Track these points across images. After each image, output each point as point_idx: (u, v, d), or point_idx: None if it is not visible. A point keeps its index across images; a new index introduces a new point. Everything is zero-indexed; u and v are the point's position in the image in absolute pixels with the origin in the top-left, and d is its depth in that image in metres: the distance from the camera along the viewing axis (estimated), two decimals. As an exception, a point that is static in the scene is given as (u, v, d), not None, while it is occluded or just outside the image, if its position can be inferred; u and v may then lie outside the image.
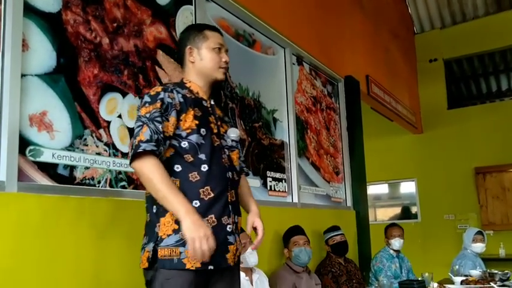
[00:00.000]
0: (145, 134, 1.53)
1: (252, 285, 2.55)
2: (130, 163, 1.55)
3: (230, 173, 1.70)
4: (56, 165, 1.88)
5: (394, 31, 6.82)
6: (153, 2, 2.52)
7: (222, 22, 3.13)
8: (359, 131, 4.83)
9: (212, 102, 1.80)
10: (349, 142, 4.72)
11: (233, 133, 1.80)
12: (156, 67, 2.48)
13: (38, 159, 1.82)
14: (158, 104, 1.59)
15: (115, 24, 2.26)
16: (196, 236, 1.44)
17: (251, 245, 1.84)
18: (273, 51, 3.71)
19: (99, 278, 1.93)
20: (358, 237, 4.48)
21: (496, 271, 3.59)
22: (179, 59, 1.84)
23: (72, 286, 1.81)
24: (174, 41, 2.64)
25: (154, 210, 1.59)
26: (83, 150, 2.00)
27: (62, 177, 1.90)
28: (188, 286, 1.51)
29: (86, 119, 2.04)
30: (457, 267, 3.80)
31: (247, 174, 1.96)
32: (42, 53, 1.89)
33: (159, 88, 1.65)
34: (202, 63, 1.76)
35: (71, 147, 1.95)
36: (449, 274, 3.67)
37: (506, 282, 3.36)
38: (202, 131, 1.65)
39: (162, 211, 1.56)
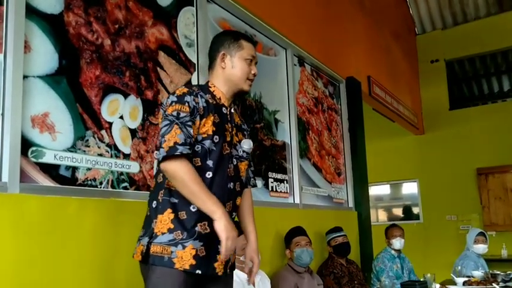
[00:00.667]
0: (179, 136, 1.56)
1: (254, 286, 2.55)
2: (161, 162, 1.56)
3: (232, 183, 1.71)
4: (58, 166, 1.89)
5: (395, 32, 6.82)
6: (154, 3, 2.53)
7: (223, 23, 3.14)
8: (360, 131, 4.82)
9: (232, 110, 1.81)
10: (350, 143, 4.72)
11: (246, 145, 1.81)
12: (158, 68, 2.49)
13: (40, 161, 1.82)
14: (187, 108, 1.61)
15: (117, 26, 2.26)
16: (231, 236, 1.54)
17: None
18: (275, 52, 3.71)
19: (101, 278, 1.93)
20: (359, 238, 4.47)
21: (498, 272, 3.59)
22: (209, 61, 1.83)
23: (74, 287, 1.82)
24: (176, 42, 2.64)
25: (154, 206, 1.62)
26: (84, 151, 2.00)
27: (63, 178, 1.90)
28: (179, 286, 1.53)
29: (87, 120, 2.04)
30: (459, 267, 3.80)
31: (254, 186, 1.96)
32: (44, 55, 1.90)
33: (184, 89, 1.67)
34: (233, 71, 1.76)
35: (72, 148, 1.95)
36: (452, 275, 3.66)
37: (508, 283, 3.36)
38: (216, 137, 1.67)
39: (161, 208, 1.59)
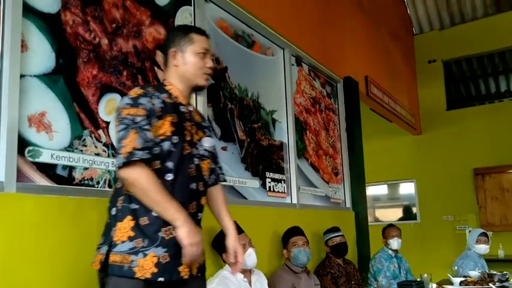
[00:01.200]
0: (138, 141, 1.51)
1: (251, 286, 2.55)
2: (120, 169, 1.51)
3: (194, 184, 1.67)
4: (54, 166, 1.88)
5: (393, 32, 6.83)
6: (152, 2, 2.52)
7: (221, 23, 3.14)
8: (358, 131, 4.83)
9: (191, 108, 1.77)
10: (348, 143, 4.73)
11: (207, 143, 1.77)
12: (155, 68, 2.48)
13: (36, 160, 1.82)
14: (142, 111, 1.56)
15: (114, 25, 2.26)
16: (194, 242, 1.51)
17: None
18: (272, 52, 3.71)
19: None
20: (357, 238, 4.48)
21: (495, 272, 3.60)
22: (164, 60, 1.79)
23: (70, 286, 1.81)
24: (173, 41, 2.64)
25: (114, 213, 1.57)
26: (81, 150, 2.00)
27: (60, 177, 1.90)
28: None
29: (84, 119, 2.04)
30: (455, 267, 3.81)
31: (223, 181, 1.94)
32: (41, 54, 1.90)
33: (139, 91, 1.62)
34: (186, 67, 1.72)
35: (69, 147, 1.95)
36: (448, 275, 3.67)
37: (505, 283, 3.37)
38: (175, 138, 1.62)
39: (121, 215, 1.54)
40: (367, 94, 5.28)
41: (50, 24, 1.94)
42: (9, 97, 1.72)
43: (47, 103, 1.89)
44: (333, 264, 3.47)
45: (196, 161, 1.70)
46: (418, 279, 3.28)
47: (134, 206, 1.55)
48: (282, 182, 3.55)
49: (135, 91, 1.62)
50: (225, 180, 1.97)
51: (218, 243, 2.56)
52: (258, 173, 3.26)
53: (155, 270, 1.50)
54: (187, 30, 1.77)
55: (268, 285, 2.75)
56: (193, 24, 2.79)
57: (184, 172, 1.64)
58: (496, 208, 6.92)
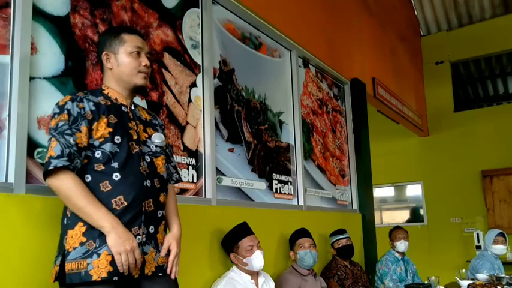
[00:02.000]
0: (55, 149, 1.50)
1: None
2: (44, 179, 1.52)
3: (148, 181, 1.64)
4: (63, 168, 1.89)
5: (400, 33, 6.80)
6: (160, 5, 2.53)
7: (229, 25, 3.14)
8: (365, 133, 4.82)
9: (133, 107, 1.75)
10: (355, 145, 4.72)
11: (157, 138, 1.75)
12: (163, 70, 2.49)
13: (45, 162, 1.83)
14: (65, 116, 1.55)
15: (122, 28, 2.27)
16: (122, 250, 1.48)
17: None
18: (279, 54, 3.71)
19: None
20: (364, 241, 4.46)
21: (503, 275, 3.57)
22: (99, 64, 1.77)
23: None
24: (181, 44, 2.65)
25: (65, 223, 1.56)
26: (90, 152, 2.01)
27: (69, 179, 1.90)
28: None
29: (93, 121, 2.04)
30: (463, 270, 3.78)
31: (178, 181, 1.90)
32: (51, 56, 1.91)
33: (67, 97, 1.61)
34: (120, 69, 1.69)
35: (78, 149, 1.95)
36: (456, 278, 3.65)
37: (513, 287, 3.34)
38: (117, 138, 1.61)
39: (71, 223, 1.52)
40: (374, 96, 5.27)
41: (59, 27, 1.96)
42: (19, 99, 1.73)
43: (56, 105, 1.90)
44: (340, 266, 3.46)
45: (148, 158, 1.68)
46: (426, 282, 3.26)
47: None
48: (289, 183, 3.55)
49: (63, 98, 1.61)
50: (179, 180, 1.92)
51: (226, 243, 2.58)
52: (264, 175, 3.26)
53: (110, 268, 1.48)
54: (117, 32, 1.74)
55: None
56: (206, 28, 2.80)
57: (135, 170, 1.61)
58: (504, 210, 6.87)
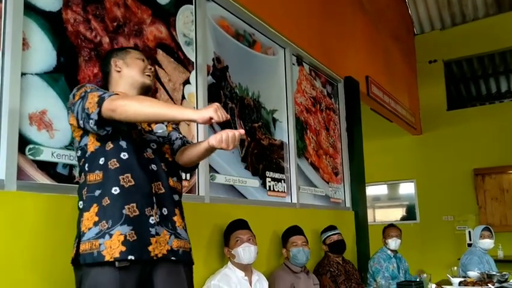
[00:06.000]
0: (98, 92, 1.55)
1: (251, 286, 2.55)
2: (99, 122, 1.50)
3: (154, 165, 1.67)
4: (55, 164, 1.88)
5: (394, 32, 6.82)
6: (153, 1, 2.52)
7: (222, 22, 3.14)
8: (358, 131, 4.83)
9: None
10: (348, 143, 4.73)
11: (159, 129, 1.81)
12: (156, 67, 2.48)
13: (37, 158, 1.82)
14: (88, 86, 1.63)
15: (115, 24, 2.26)
16: (212, 110, 1.47)
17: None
18: (273, 52, 3.71)
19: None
20: (356, 238, 4.48)
21: (494, 272, 3.60)
22: (104, 78, 1.85)
23: (70, 285, 1.81)
24: (175, 40, 2.64)
25: (81, 206, 1.58)
26: (82, 149, 2.00)
27: (61, 176, 1.90)
28: (115, 285, 1.47)
29: (85, 118, 2.03)
30: (455, 268, 3.81)
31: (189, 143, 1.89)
32: (43, 52, 1.90)
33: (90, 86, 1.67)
34: (129, 69, 1.79)
35: (70, 146, 1.94)
36: (447, 275, 3.68)
37: (504, 284, 3.37)
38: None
39: (87, 206, 1.54)
40: (368, 94, 5.28)
41: (51, 23, 1.94)
42: (10, 95, 1.72)
43: (48, 101, 1.89)
44: (332, 262, 3.48)
45: (153, 145, 1.72)
46: (418, 279, 3.28)
47: (97, 191, 1.55)
48: (282, 181, 3.56)
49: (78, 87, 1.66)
50: (190, 142, 1.91)
51: (223, 237, 2.60)
52: (258, 172, 3.26)
53: (123, 248, 1.47)
54: (123, 48, 1.92)
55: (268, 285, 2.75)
56: (199, 25, 2.81)
57: (141, 154, 1.65)
58: (496, 208, 6.92)
